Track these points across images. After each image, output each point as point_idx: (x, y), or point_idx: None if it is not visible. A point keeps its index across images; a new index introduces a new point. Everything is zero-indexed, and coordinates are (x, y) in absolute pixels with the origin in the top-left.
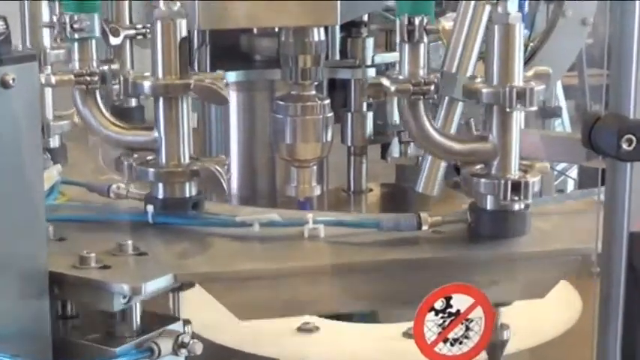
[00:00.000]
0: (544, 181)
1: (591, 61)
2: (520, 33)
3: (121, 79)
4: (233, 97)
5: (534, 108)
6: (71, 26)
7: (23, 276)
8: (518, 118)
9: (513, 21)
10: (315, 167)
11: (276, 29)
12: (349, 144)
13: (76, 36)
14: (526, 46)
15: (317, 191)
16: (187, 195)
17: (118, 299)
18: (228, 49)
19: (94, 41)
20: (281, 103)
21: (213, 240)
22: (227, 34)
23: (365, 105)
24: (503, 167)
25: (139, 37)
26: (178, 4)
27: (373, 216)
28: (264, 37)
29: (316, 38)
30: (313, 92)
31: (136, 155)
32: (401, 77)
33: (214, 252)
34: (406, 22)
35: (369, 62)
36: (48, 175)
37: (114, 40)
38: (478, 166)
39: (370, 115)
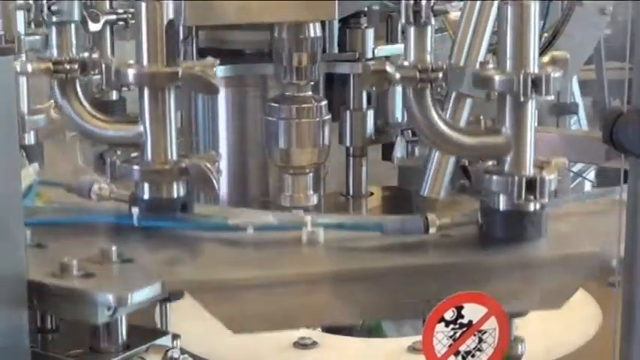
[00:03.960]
0: (560, 178)
1: (610, 53)
2: (535, 13)
3: (103, 67)
4: (222, 94)
5: (551, 97)
6: (49, 8)
7: None
8: (533, 108)
9: None
10: (311, 174)
11: None
12: (348, 144)
13: (54, 19)
14: (540, 36)
15: (313, 200)
16: (175, 195)
17: (102, 311)
18: (216, 41)
19: (73, 26)
20: (274, 104)
21: (203, 245)
22: (215, 26)
23: (365, 102)
24: (517, 163)
25: (120, 22)
26: None
27: (376, 218)
28: (255, 30)
29: (312, 34)
30: (309, 93)
31: (119, 152)
32: (406, 63)
33: (205, 258)
34: (412, 2)
35: (369, 55)
36: (25, 173)
37: (93, 27)
38: (490, 162)
39: (371, 113)
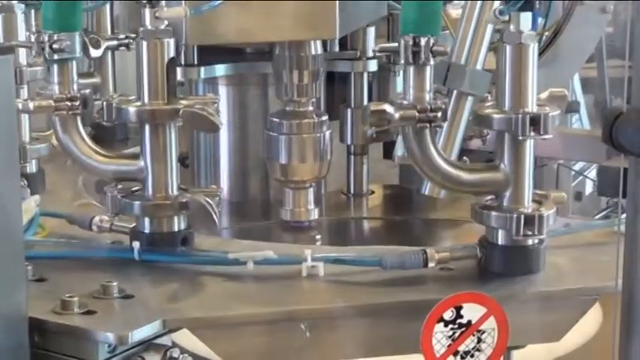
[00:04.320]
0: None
1: (612, 51)
2: (534, 53)
3: (104, 104)
4: (223, 93)
5: (549, 136)
6: (50, 46)
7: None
8: (531, 145)
9: (527, 40)
10: (312, 189)
11: None
12: (349, 142)
13: (56, 57)
14: (541, 35)
15: (314, 214)
16: (176, 229)
17: (103, 349)
18: None
19: (74, 62)
20: (275, 119)
21: (204, 280)
22: None
23: (366, 100)
24: (515, 199)
25: (122, 48)
26: (165, 22)
27: (375, 252)
28: None
29: (313, 52)
30: (310, 108)
31: (120, 185)
32: (405, 102)
33: (206, 294)
34: (411, 42)
35: (370, 54)
36: (26, 207)
37: (94, 52)
38: (488, 198)
39: None
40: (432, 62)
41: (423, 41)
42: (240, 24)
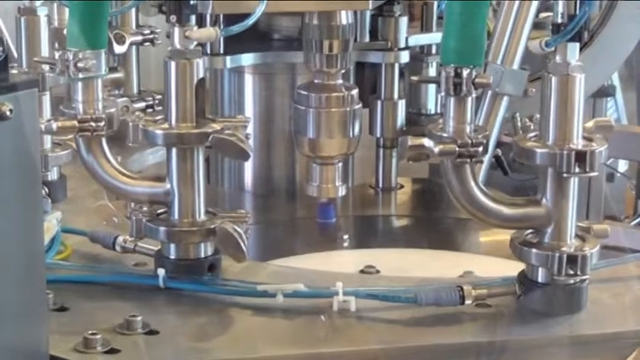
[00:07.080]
0: None
1: None
2: (581, 85)
3: (130, 126)
4: (249, 82)
5: (595, 173)
6: (75, 65)
7: None
8: (575, 182)
9: (574, 72)
10: (340, 165)
11: None
12: (378, 135)
13: (80, 76)
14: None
15: (342, 191)
16: (202, 255)
17: None
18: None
19: (99, 80)
20: (303, 92)
21: (231, 312)
22: None
23: (396, 92)
24: (557, 235)
25: (147, 43)
26: (195, 42)
27: (409, 286)
28: (284, 15)
29: (344, 21)
30: (340, 81)
31: (145, 208)
32: (445, 135)
33: (233, 331)
34: (452, 73)
35: (402, 44)
36: (47, 225)
37: (119, 49)
38: (528, 232)
39: (402, 103)
40: (474, 94)
41: (465, 73)
42: None
